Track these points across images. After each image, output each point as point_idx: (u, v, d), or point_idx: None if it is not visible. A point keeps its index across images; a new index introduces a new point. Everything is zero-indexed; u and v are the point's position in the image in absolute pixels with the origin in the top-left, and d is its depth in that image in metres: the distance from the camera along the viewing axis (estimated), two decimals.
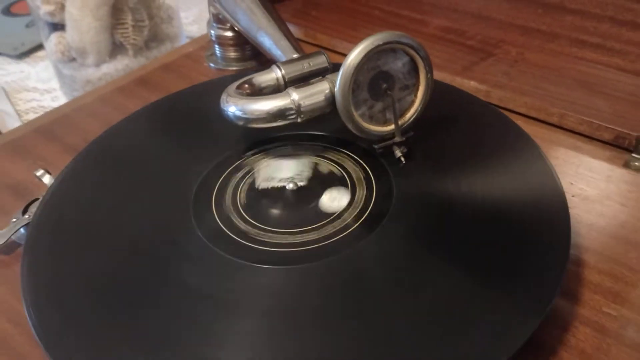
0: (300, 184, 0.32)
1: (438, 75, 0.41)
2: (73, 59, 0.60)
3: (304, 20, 0.51)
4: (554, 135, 0.38)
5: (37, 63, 0.69)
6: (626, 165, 0.35)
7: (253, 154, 0.34)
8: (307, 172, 0.33)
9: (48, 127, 0.42)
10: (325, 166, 0.33)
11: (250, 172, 0.33)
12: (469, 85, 0.41)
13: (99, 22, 0.56)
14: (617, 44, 0.41)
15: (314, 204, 0.30)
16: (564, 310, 0.27)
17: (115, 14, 0.58)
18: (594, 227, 0.31)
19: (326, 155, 0.34)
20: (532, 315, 0.23)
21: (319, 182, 0.32)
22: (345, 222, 0.29)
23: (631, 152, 0.36)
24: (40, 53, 0.70)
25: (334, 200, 0.31)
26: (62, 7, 0.56)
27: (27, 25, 0.75)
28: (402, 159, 0.32)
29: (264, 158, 0.34)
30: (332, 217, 0.29)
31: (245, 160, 0.34)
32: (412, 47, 0.31)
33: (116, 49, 0.60)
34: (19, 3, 0.80)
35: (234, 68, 0.48)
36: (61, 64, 0.60)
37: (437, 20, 0.49)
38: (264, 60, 0.48)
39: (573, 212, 0.32)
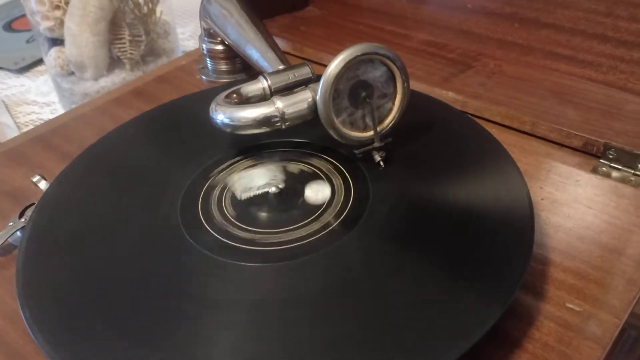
0: (280, 186, 0.33)
1: (418, 86, 0.43)
2: (72, 73, 0.61)
3: (292, 35, 0.53)
4: (526, 143, 0.39)
5: (36, 77, 0.71)
6: (594, 170, 0.37)
7: (220, 172, 0.35)
8: (280, 176, 0.34)
9: (45, 136, 0.44)
10: (295, 167, 0.34)
11: (226, 186, 0.34)
12: (447, 95, 0.43)
13: (97, 37, 0.58)
14: (589, 56, 0.43)
15: (300, 200, 0.32)
16: (530, 306, 0.28)
17: (113, 29, 0.60)
18: (561, 229, 0.33)
19: (307, 161, 0.35)
20: (494, 306, 0.25)
21: (298, 182, 0.33)
22: (324, 223, 0.30)
23: (599, 158, 0.37)
24: (40, 67, 0.72)
25: (317, 192, 0.32)
26: (62, 23, 0.58)
27: (28, 41, 0.77)
28: (381, 163, 0.33)
29: (232, 173, 0.35)
30: (312, 218, 0.31)
31: (215, 177, 0.34)
32: (388, 57, 0.33)
33: (114, 63, 0.62)
34: (19, 19, 0.83)
35: (225, 80, 0.50)
36: (60, 78, 0.62)
37: (419, 35, 0.51)
38: (253, 73, 0.49)
39: (542, 214, 0.34)
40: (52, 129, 0.44)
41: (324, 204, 0.32)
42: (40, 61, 0.72)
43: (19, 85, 0.69)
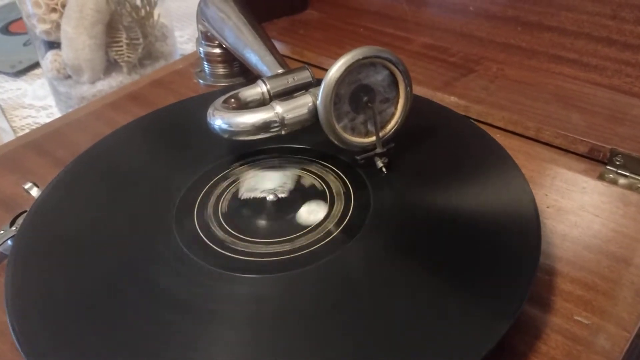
0: (281, 195, 0.32)
1: (419, 90, 0.42)
2: (68, 77, 0.61)
3: (291, 38, 0.52)
4: (531, 148, 0.39)
5: (33, 80, 0.70)
6: (600, 177, 0.36)
7: (239, 165, 0.35)
8: (289, 185, 0.33)
9: (39, 142, 0.43)
10: (308, 179, 0.34)
11: (233, 183, 0.34)
12: (449, 100, 0.42)
13: (93, 40, 0.57)
14: (594, 60, 0.42)
15: (292, 215, 0.31)
16: (536, 318, 0.28)
17: (110, 32, 0.59)
18: (567, 238, 0.32)
19: (308, 168, 0.34)
20: (500, 320, 0.24)
21: (299, 195, 0.32)
22: (325, 232, 0.30)
23: (605, 164, 0.37)
24: (37, 71, 0.72)
25: (311, 213, 0.31)
26: (58, 26, 0.58)
27: (25, 44, 0.76)
28: (384, 169, 0.33)
29: (250, 169, 0.35)
30: (311, 227, 0.30)
31: (231, 170, 0.34)
32: (391, 61, 0.32)
33: (111, 66, 0.61)
34: (17, 22, 0.82)
35: (223, 84, 0.49)
36: (57, 81, 0.61)
37: (421, 38, 0.51)
38: (251, 77, 0.49)
39: (547, 222, 0.33)
40: (45, 135, 0.44)
41: (320, 216, 0.31)
42: (37, 64, 0.71)
43: (16, 89, 0.69)
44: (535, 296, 0.28)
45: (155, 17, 0.62)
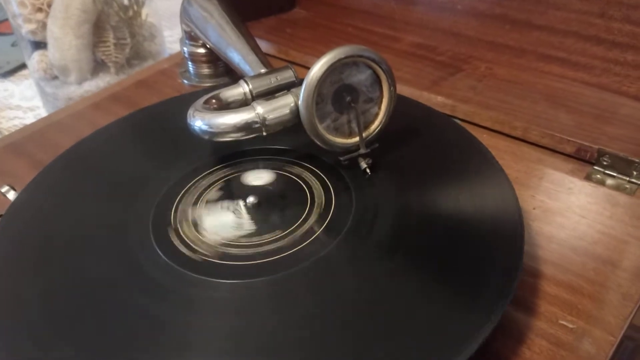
0: (253, 200, 0.31)
1: (406, 90, 0.42)
2: (55, 77, 0.60)
3: (278, 37, 0.51)
4: (517, 149, 0.38)
5: (21, 81, 0.69)
6: (588, 177, 0.35)
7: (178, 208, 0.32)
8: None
9: (19, 144, 0.42)
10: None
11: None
12: (436, 100, 0.41)
13: (80, 40, 0.57)
14: (582, 59, 0.42)
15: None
16: (520, 322, 0.27)
17: (97, 32, 0.58)
18: (553, 239, 0.31)
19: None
20: (483, 323, 0.23)
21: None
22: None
23: (593, 164, 0.36)
24: (24, 71, 0.71)
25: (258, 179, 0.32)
26: (44, 26, 0.57)
27: (13, 44, 0.76)
28: (368, 170, 0.32)
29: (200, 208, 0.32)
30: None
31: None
32: (373, 60, 0.32)
33: (98, 66, 0.60)
34: (4, 22, 0.81)
35: (207, 84, 0.48)
36: (43, 82, 0.61)
37: (409, 37, 0.50)
38: (237, 77, 0.48)
39: (533, 224, 0.32)
40: (27, 136, 0.43)
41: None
42: (24, 65, 0.71)
43: (3, 90, 0.68)
44: (519, 299, 0.28)
45: (143, 16, 0.61)
